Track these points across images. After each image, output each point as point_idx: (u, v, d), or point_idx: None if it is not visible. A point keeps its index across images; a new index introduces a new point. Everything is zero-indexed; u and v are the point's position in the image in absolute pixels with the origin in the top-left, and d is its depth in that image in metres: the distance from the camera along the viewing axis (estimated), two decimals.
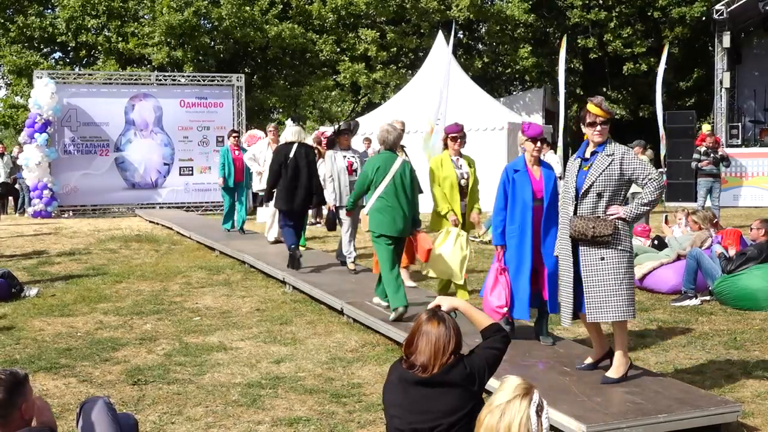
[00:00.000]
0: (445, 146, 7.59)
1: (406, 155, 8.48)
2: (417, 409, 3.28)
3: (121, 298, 8.79)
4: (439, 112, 13.94)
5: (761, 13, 21.04)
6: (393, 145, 7.27)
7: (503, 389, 2.73)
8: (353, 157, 9.48)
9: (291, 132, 9.76)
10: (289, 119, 10.19)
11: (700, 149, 14.14)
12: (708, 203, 13.83)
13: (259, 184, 12.36)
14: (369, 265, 9.74)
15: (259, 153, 12.29)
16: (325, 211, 17.27)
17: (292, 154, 9.51)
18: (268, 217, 12.31)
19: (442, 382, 3.27)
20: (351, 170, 9.32)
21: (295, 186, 9.46)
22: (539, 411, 2.64)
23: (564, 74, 19.20)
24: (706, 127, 15.21)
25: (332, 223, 9.48)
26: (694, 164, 14.29)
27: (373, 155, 8.39)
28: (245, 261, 10.88)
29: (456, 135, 7.47)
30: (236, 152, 13.26)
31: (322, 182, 9.71)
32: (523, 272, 5.85)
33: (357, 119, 9.88)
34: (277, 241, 11.64)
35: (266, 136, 12.99)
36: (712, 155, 13.82)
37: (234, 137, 13.57)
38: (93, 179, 19.55)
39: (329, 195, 9.36)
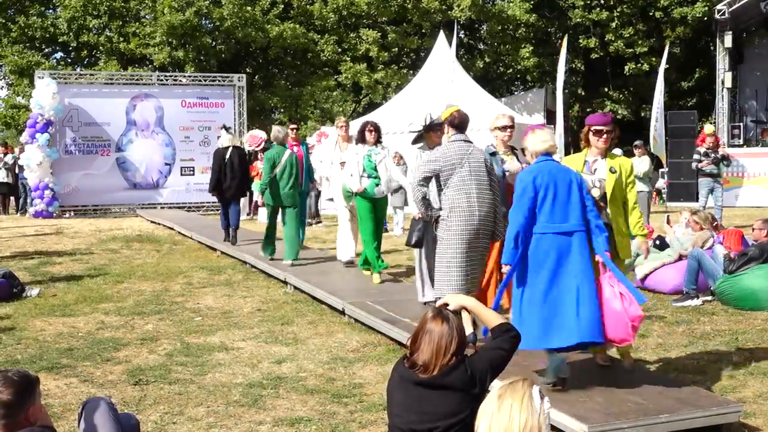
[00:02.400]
0: (587, 143, 5.67)
1: (518, 158, 6.80)
2: (416, 410, 3.27)
3: (123, 298, 8.79)
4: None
5: (763, 13, 21.04)
6: (282, 141, 10.32)
7: (501, 382, 2.73)
8: None
9: (226, 138, 12.38)
10: (222, 129, 13.39)
11: (700, 150, 14.13)
12: (711, 203, 13.81)
13: (328, 190, 10.62)
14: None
15: (327, 155, 10.46)
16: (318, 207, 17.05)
17: (228, 156, 11.96)
18: (339, 236, 10.14)
19: (441, 384, 3.25)
20: None
21: (232, 179, 11.92)
22: (541, 393, 2.64)
23: (564, 74, 19.22)
24: (708, 128, 15.18)
25: (419, 239, 7.18)
26: (694, 165, 14.29)
27: (272, 149, 10.30)
28: (246, 261, 10.88)
29: (601, 128, 5.49)
30: (295, 149, 10.96)
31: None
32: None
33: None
34: (349, 263, 9.85)
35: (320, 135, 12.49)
36: (712, 155, 13.80)
37: (292, 130, 11.37)
38: (94, 179, 19.58)
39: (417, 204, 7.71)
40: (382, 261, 9.14)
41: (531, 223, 5.02)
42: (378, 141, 9.07)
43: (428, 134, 7.46)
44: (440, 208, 5.98)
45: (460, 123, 6.18)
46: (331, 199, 10.50)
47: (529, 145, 5.29)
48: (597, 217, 5.10)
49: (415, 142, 7.66)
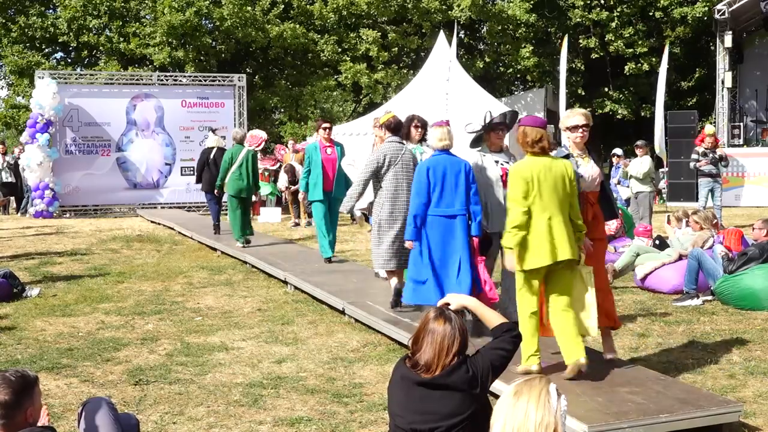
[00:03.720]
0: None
1: (595, 161, 5.67)
2: (417, 410, 3.27)
3: (123, 298, 8.80)
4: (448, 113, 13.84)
5: (763, 13, 21.03)
6: (241, 140, 12.29)
7: (519, 379, 2.72)
8: (508, 162, 6.43)
9: (212, 140, 13.80)
10: (209, 131, 15.07)
11: (699, 149, 14.12)
12: (710, 203, 13.81)
13: (362, 200, 8.69)
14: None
15: (363, 159, 9.05)
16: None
17: (212, 156, 13.24)
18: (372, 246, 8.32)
19: (443, 384, 3.25)
20: (505, 181, 6.13)
21: (214, 177, 12.78)
22: (558, 392, 2.63)
23: (565, 74, 19.19)
24: (708, 128, 15.16)
25: (485, 244, 6.44)
26: (692, 165, 14.29)
27: (231, 148, 12.22)
28: (247, 261, 10.89)
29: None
30: (328, 151, 10.14)
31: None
32: None
33: (514, 110, 7.05)
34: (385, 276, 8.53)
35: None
36: (710, 155, 13.79)
37: (324, 129, 10.33)
38: (94, 179, 19.56)
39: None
40: None
41: (428, 206, 6.22)
42: (423, 138, 7.82)
43: (488, 135, 6.55)
44: (373, 200, 7.35)
45: (395, 126, 7.54)
46: (364, 209, 9.01)
47: (428, 140, 6.50)
48: (475, 204, 6.21)
49: (474, 144, 6.73)
